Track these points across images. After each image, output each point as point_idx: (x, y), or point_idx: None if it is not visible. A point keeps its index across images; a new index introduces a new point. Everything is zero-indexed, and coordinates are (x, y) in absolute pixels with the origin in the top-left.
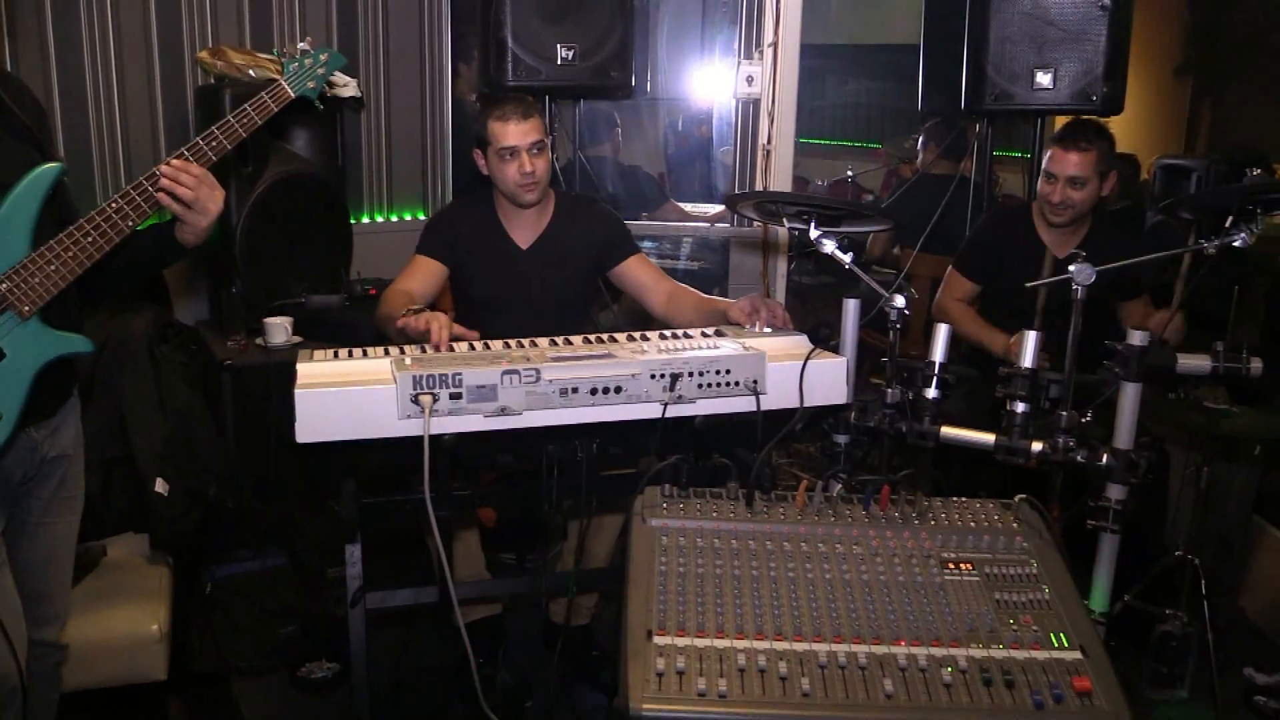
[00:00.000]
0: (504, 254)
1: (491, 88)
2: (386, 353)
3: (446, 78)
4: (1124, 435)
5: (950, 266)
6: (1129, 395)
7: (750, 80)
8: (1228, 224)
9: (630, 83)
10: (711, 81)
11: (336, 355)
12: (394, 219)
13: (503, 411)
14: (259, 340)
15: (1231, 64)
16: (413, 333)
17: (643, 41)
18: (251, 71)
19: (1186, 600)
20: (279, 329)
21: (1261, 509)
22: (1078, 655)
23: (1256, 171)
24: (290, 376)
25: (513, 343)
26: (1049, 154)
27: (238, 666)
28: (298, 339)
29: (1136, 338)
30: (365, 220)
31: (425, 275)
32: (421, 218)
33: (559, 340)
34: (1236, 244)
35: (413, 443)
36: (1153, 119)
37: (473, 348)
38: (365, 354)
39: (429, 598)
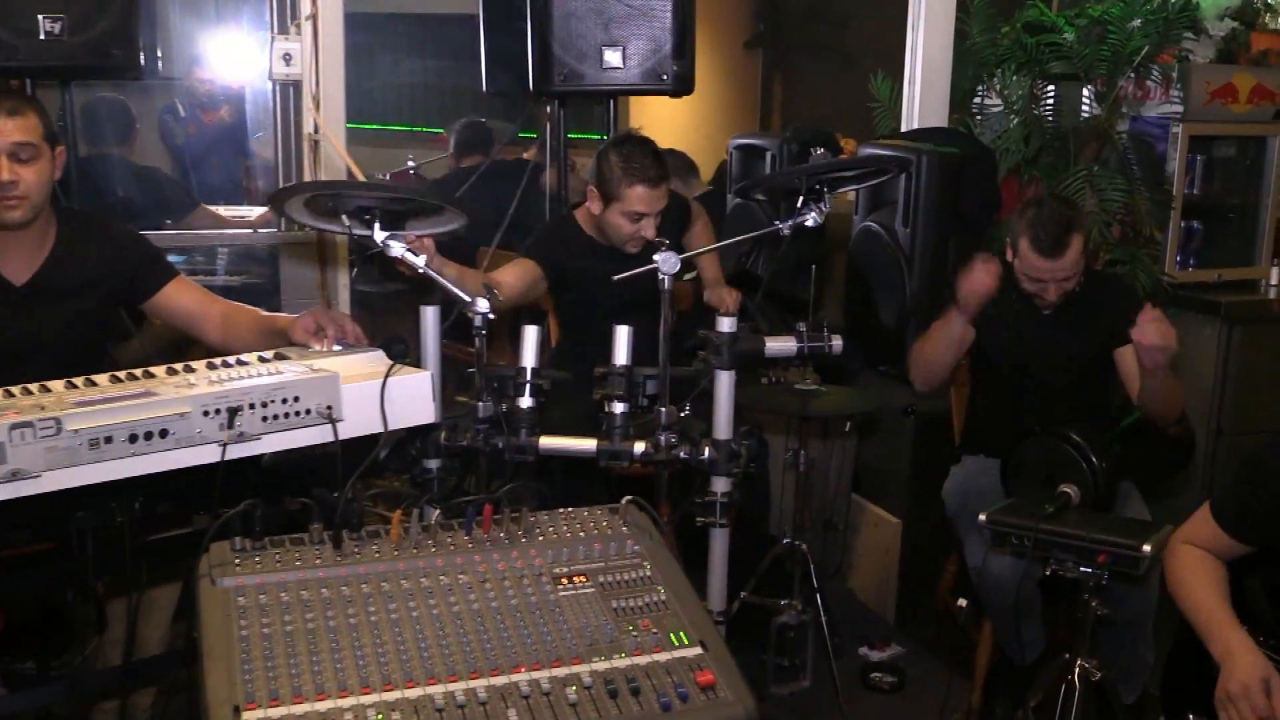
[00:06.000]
0: None
1: None
2: None
3: None
4: (723, 425)
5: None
6: (724, 384)
7: (288, 59)
8: (799, 205)
9: (138, 62)
10: (240, 59)
11: None
12: None
13: (15, 476)
14: None
15: (796, 36)
16: None
17: (149, 13)
18: None
19: (799, 587)
20: None
21: (859, 487)
22: (698, 650)
23: (821, 151)
24: None
25: (16, 390)
26: None
27: None
28: None
29: (725, 325)
30: None
31: None
32: None
33: (78, 382)
34: (809, 224)
35: None
36: (729, 95)
37: None
38: None
39: None
